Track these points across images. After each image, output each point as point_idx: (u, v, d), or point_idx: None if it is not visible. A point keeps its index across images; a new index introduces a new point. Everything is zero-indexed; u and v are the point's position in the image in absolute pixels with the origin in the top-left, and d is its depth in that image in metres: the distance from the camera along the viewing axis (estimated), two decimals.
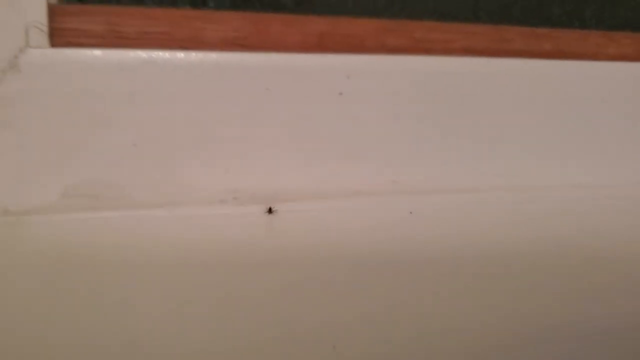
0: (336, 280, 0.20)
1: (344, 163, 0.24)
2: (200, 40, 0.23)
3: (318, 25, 0.25)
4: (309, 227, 0.22)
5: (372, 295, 0.19)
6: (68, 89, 0.21)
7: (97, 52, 0.21)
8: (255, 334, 0.18)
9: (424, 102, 0.25)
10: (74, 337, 0.18)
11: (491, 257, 0.23)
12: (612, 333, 0.25)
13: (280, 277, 0.19)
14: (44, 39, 0.20)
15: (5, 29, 0.20)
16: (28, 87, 0.20)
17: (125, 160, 0.22)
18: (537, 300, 0.24)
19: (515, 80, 0.27)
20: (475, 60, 0.27)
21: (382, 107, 0.24)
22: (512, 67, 0.27)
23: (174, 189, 0.22)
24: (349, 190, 0.23)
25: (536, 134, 0.27)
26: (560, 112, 0.28)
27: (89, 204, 0.21)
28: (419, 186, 0.24)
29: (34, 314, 0.19)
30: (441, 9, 0.28)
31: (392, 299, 0.19)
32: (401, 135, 0.24)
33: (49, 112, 0.21)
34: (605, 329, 0.25)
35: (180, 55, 0.22)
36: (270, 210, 0.23)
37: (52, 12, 0.21)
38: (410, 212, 0.23)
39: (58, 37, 0.21)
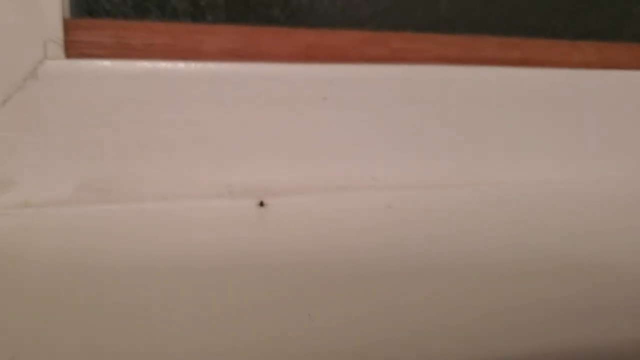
0: (319, 261, 0.22)
1: (328, 161, 0.26)
2: (199, 51, 0.26)
3: (306, 37, 0.28)
4: (296, 218, 0.25)
5: (351, 277, 0.22)
6: (81, 95, 0.23)
7: (107, 63, 0.23)
8: (242, 308, 0.20)
9: (401, 106, 0.28)
10: (87, 316, 0.21)
11: (462, 247, 0.25)
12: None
13: (269, 260, 0.22)
14: (59, 51, 0.23)
15: (26, 43, 0.22)
16: (46, 94, 0.23)
17: (132, 158, 0.24)
18: (509, 292, 0.26)
19: (486, 86, 0.30)
20: (449, 68, 0.29)
21: (362, 110, 0.27)
22: (484, 74, 0.30)
23: (175, 184, 0.25)
24: (332, 185, 0.26)
25: (504, 134, 0.29)
26: (528, 114, 0.30)
27: (99, 197, 0.24)
28: (396, 182, 0.27)
29: (52, 296, 0.21)
30: (418, 20, 0.30)
31: (370, 281, 0.22)
32: (379, 136, 0.27)
33: (64, 115, 0.23)
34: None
35: (181, 65, 0.25)
36: (261, 204, 0.25)
37: (67, 27, 0.24)
38: (389, 206, 0.26)
39: (72, 49, 0.24)
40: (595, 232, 0.26)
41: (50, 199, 0.23)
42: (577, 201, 0.28)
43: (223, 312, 0.19)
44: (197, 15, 0.28)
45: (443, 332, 0.23)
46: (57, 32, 0.23)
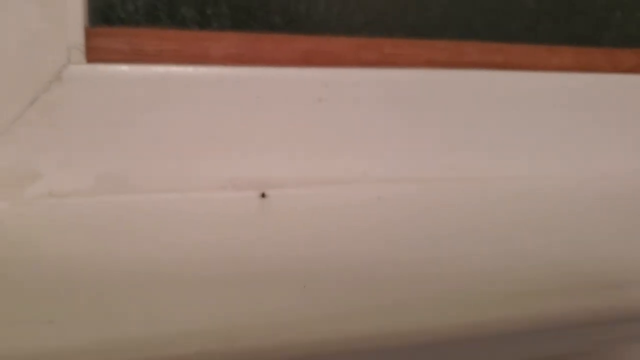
0: (315, 245, 0.24)
1: (323, 156, 0.29)
2: (207, 56, 0.28)
3: (303, 43, 0.30)
4: (294, 208, 0.27)
5: (343, 257, 0.24)
6: (100, 96, 0.26)
7: (124, 67, 0.26)
8: (244, 285, 0.22)
9: (392, 107, 0.30)
10: (105, 288, 0.23)
11: (443, 234, 0.27)
12: None
13: (268, 244, 0.24)
14: (81, 56, 0.26)
15: (52, 49, 0.25)
16: (69, 95, 0.25)
17: (145, 153, 0.27)
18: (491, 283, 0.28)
19: (471, 88, 0.32)
20: (437, 71, 0.31)
21: (355, 110, 0.29)
22: (469, 77, 0.32)
23: (185, 177, 0.27)
24: (327, 179, 0.28)
25: (487, 133, 0.32)
26: (509, 114, 0.32)
27: (116, 188, 0.26)
28: (386, 176, 0.29)
29: (74, 276, 0.23)
30: (408, 27, 0.33)
31: (358, 263, 0.24)
32: (371, 134, 0.29)
33: (85, 114, 0.26)
34: None
35: (190, 69, 0.27)
36: (263, 195, 0.28)
37: (87, 34, 0.26)
38: (378, 197, 0.29)
39: (92, 54, 0.26)
40: (568, 222, 0.29)
41: (72, 190, 0.26)
42: (552, 194, 0.30)
43: (227, 290, 0.21)
44: (203, 22, 0.30)
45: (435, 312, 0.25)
46: (79, 39, 0.25)
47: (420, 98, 0.31)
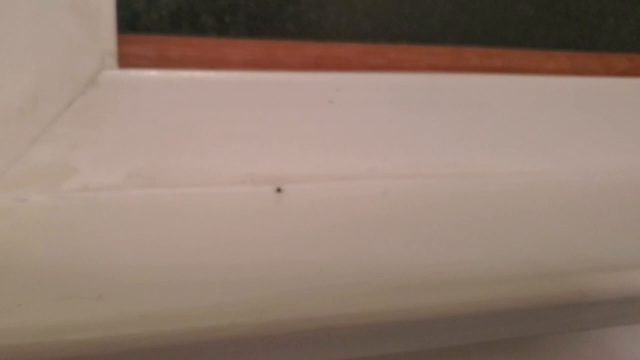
0: (323, 232, 0.27)
1: (334, 154, 0.31)
2: (226, 61, 0.31)
3: (315, 49, 0.33)
4: (307, 201, 0.29)
5: (350, 243, 0.26)
6: (130, 99, 0.28)
7: (152, 72, 0.28)
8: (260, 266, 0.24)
9: (397, 108, 0.32)
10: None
11: (442, 224, 0.30)
12: None
13: (283, 235, 0.27)
14: (114, 62, 0.28)
15: (88, 55, 0.27)
16: (103, 98, 0.28)
17: (171, 151, 0.29)
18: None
19: (472, 91, 0.34)
20: (439, 75, 0.34)
21: (363, 111, 0.31)
22: (469, 80, 0.34)
23: (206, 173, 0.30)
24: (337, 174, 0.31)
25: (486, 132, 0.34)
26: (507, 115, 0.35)
27: (145, 182, 0.29)
28: (391, 172, 0.32)
29: (110, 258, 0.26)
30: (411, 33, 0.35)
31: (369, 251, 0.26)
32: (377, 133, 0.32)
33: (117, 115, 0.28)
34: None
35: (211, 73, 0.29)
36: (278, 189, 0.30)
37: (119, 41, 0.29)
38: (384, 192, 0.31)
39: (123, 60, 0.29)
40: (562, 214, 0.31)
41: (105, 184, 0.28)
42: (545, 189, 0.33)
43: (248, 273, 0.24)
44: (222, 30, 0.32)
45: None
46: (112, 46, 0.28)
47: (423, 100, 0.33)
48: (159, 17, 0.31)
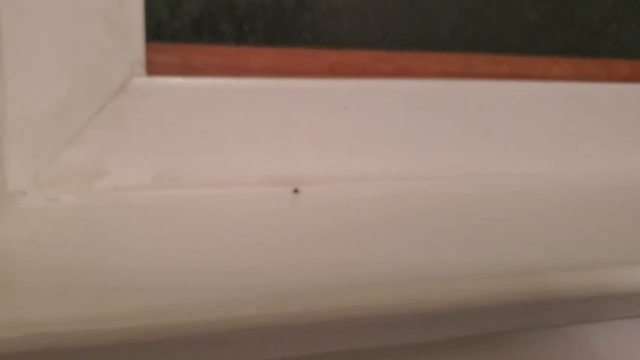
0: (338, 235, 0.28)
1: (348, 156, 0.33)
2: (246, 68, 0.32)
3: (330, 56, 0.34)
4: (323, 202, 0.31)
5: (368, 246, 0.28)
6: (157, 104, 0.30)
7: (177, 79, 0.30)
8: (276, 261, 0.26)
9: (408, 113, 0.34)
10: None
11: (449, 222, 0.31)
12: None
13: (300, 234, 0.28)
14: (142, 70, 0.30)
15: (118, 64, 0.29)
16: (132, 104, 0.29)
17: (195, 153, 0.31)
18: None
19: (480, 97, 0.36)
20: (448, 81, 0.35)
21: (376, 116, 0.33)
22: (477, 86, 0.35)
23: (228, 174, 0.31)
24: (350, 176, 0.32)
25: (494, 136, 0.36)
26: (514, 119, 0.36)
27: (170, 183, 0.30)
28: (401, 173, 0.33)
29: (132, 256, 0.27)
30: (422, 41, 0.37)
31: (383, 246, 0.28)
32: (389, 137, 0.33)
33: (145, 120, 0.30)
34: None
35: (233, 80, 0.31)
36: (295, 190, 0.32)
37: (146, 50, 0.30)
38: (395, 193, 0.33)
39: (150, 68, 0.30)
40: (566, 214, 0.32)
41: (133, 185, 0.30)
42: (550, 190, 0.34)
43: (267, 267, 0.25)
44: (242, 38, 0.34)
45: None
46: (141, 55, 0.29)
47: (433, 105, 0.34)
48: (182, 27, 0.33)
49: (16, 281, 0.22)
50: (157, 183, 0.30)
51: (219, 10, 0.33)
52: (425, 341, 0.26)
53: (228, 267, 0.24)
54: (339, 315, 0.21)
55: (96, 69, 0.29)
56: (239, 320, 0.20)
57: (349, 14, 0.35)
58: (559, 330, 0.30)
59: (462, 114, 0.35)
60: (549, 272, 0.26)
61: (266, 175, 0.32)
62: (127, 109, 0.29)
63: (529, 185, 0.34)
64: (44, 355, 0.20)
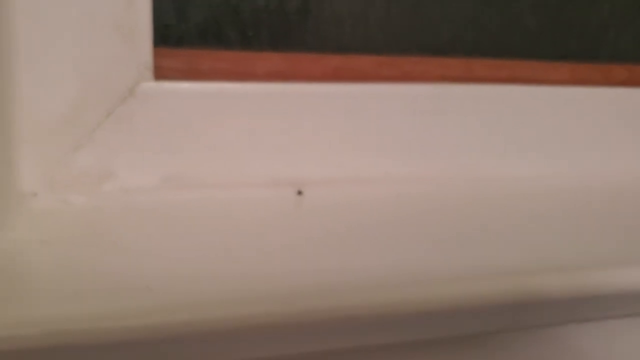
0: (340, 235, 0.29)
1: (351, 159, 0.33)
2: (252, 73, 0.33)
3: (333, 61, 0.35)
4: (326, 203, 0.32)
5: (369, 247, 0.29)
6: (165, 109, 0.31)
7: (185, 84, 0.31)
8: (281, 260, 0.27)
9: (410, 117, 0.35)
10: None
11: (449, 221, 0.32)
12: None
13: (303, 235, 0.29)
14: (150, 74, 0.30)
15: (127, 69, 0.30)
16: (140, 108, 0.30)
17: (202, 156, 0.31)
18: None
19: (480, 101, 0.36)
20: (449, 86, 0.36)
21: (378, 120, 0.34)
22: (477, 90, 0.36)
23: (233, 176, 0.32)
24: (354, 178, 0.33)
25: (493, 139, 0.36)
26: (514, 122, 0.37)
27: (177, 185, 0.31)
28: (405, 176, 0.34)
29: (141, 256, 0.28)
30: (423, 46, 0.37)
31: (385, 248, 0.29)
32: (391, 140, 0.34)
33: (153, 124, 0.30)
34: None
35: (238, 85, 0.32)
36: (299, 192, 0.33)
37: (154, 55, 0.31)
38: (398, 194, 0.33)
39: (158, 72, 0.31)
40: (565, 216, 0.33)
41: (141, 187, 0.31)
42: (548, 192, 0.35)
43: (272, 267, 0.26)
44: (246, 43, 0.35)
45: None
46: (149, 60, 0.30)
47: (434, 109, 0.35)
48: (189, 32, 0.34)
49: (31, 280, 0.23)
50: (164, 185, 0.31)
51: (225, 16, 0.34)
52: (422, 339, 0.27)
53: (234, 267, 0.24)
54: (341, 314, 0.22)
55: (105, 74, 0.29)
56: (244, 318, 0.21)
57: (352, 19, 0.35)
58: (551, 330, 0.30)
59: (463, 118, 0.36)
60: (548, 273, 0.26)
61: (271, 177, 0.33)
62: (135, 112, 0.30)
63: (527, 187, 0.35)
64: (57, 351, 0.20)
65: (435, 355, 0.29)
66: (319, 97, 0.33)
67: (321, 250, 0.27)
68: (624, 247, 0.30)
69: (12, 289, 0.22)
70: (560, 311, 0.28)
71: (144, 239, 0.28)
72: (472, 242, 0.29)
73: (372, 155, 0.34)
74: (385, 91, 0.34)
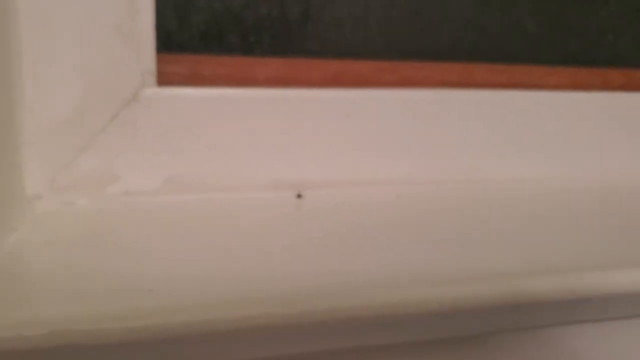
0: (340, 234, 0.29)
1: (351, 162, 0.34)
2: (253, 79, 0.34)
3: (333, 67, 0.35)
4: (325, 206, 0.32)
5: (369, 248, 0.29)
6: (168, 114, 0.31)
7: (187, 90, 0.31)
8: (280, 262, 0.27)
9: (410, 121, 0.35)
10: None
11: (452, 226, 0.32)
12: None
13: (303, 236, 0.29)
14: (153, 80, 0.31)
15: (131, 74, 0.30)
16: (143, 113, 0.31)
17: (203, 159, 0.32)
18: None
19: (479, 105, 0.37)
20: (448, 91, 0.36)
21: (377, 125, 0.34)
22: (476, 95, 0.36)
23: (234, 180, 0.33)
24: (354, 180, 0.34)
25: (492, 143, 0.37)
26: (512, 127, 0.37)
27: (179, 188, 0.32)
28: (403, 178, 0.35)
29: (140, 261, 0.29)
30: (422, 52, 0.38)
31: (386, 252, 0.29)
32: (391, 144, 0.35)
33: (156, 128, 0.31)
34: None
35: (239, 90, 0.32)
36: (299, 195, 0.33)
37: (157, 61, 0.32)
38: (397, 197, 0.34)
39: (161, 78, 0.32)
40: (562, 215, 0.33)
41: (144, 189, 0.31)
42: (546, 194, 0.35)
43: (272, 269, 0.26)
44: (247, 49, 0.35)
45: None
46: (152, 65, 0.31)
47: (433, 113, 0.36)
48: (191, 38, 0.35)
49: (34, 281, 0.23)
50: (166, 188, 0.31)
51: (227, 22, 0.34)
52: (421, 340, 0.28)
53: (234, 268, 0.25)
54: (341, 315, 0.22)
55: (109, 79, 0.30)
56: (244, 319, 0.21)
57: (351, 25, 0.36)
58: (549, 331, 0.31)
59: (463, 122, 0.36)
60: (547, 274, 0.27)
61: (271, 180, 0.33)
62: (138, 117, 0.31)
63: (526, 190, 0.36)
64: (60, 352, 0.21)
65: (435, 356, 0.30)
66: (319, 102, 0.33)
67: (321, 251, 0.28)
68: (621, 248, 0.30)
69: (16, 289, 0.23)
70: (558, 312, 0.28)
71: (146, 241, 0.28)
72: (471, 244, 0.29)
73: (371, 159, 0.34)
74: (384, 96, 0.35)
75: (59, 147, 0.30)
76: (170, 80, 0.32)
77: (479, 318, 0.27)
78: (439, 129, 0.36)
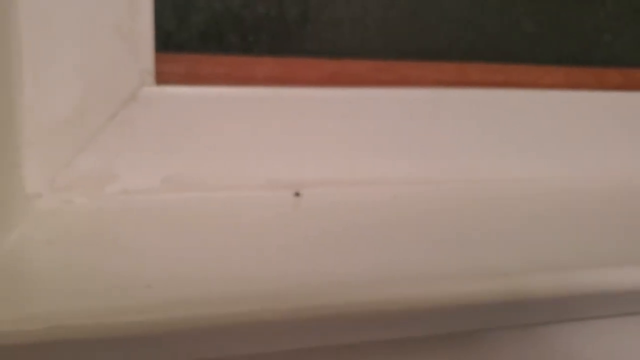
0: (337, 233, 0.30)
1: (348, 162, 0.34)
2: (250, 78, 0.34)
3: (330, 66, 0.36)
4: (322, 205, 0.32)
5: (365, 247, 0.29)
6: (167, 113, 0.31)
7: (185, 89, 0.32)
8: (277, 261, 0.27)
9: (406, 120, 0.35)
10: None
11: (449, 226, 0.33)
12: None
13: (301, 235, 0.30)
14: (151, 79, 0.31)
15: (129, 74, 0.30)
16: (142, 112, 0.31)
17: (202, 158, 0.32)
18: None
19: (476, 105, 0.37)
20: (444, 90, 0.37)
21: (374, 124, 0.34)
22: (473, 95, 0.37)
23: (232, 178, 0.33)
24: (351, 180, 0.34)
25: (487, 142, 0.37)
26: (507, 126, 0.38)
27: (178, 187, 0.32)
28: (400, 178, 0.35)
29: (139, 260, 0.29)
30: (419, 51, 0.38)
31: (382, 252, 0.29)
32: (388, 144, 0.35)
33: (154, 127, 0.31)
34: None
35: (237, 89, 0.33)
36: (296, 194, 0.33)
37: (155, 60, 0.32)
38: (394, 196, 0.34)
39: (159, 77, 0.32)
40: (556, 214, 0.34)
41: (142, 188, 0.31)
42: (542, 193, 0.36)
43: (271, 266, 0.27)
44: (245, 48, 0.36)
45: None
46: (150, 65, 0.31)
47: (430, 113, 0.36)
48: (190, 38, 0.35)
49: (35, 278, 0.24)
50: (165, 187, 0.32)
51: (225, 22, 0.35)
52: (418, 337, 0.28)
53: (232, 266, 0.25)
54: (337, 312, 0.23)
55: (108, 79, 0.30)
56: (241, 315, 0.21)
57: (349, 25, 0.36)
58: (548, 329, 0.31)
59: (459, 122, 0.37)
60: (545, 273, 0.27)
61: (269, 179, 0.33)
62: (137, 116, 0.31)
63: (523, 189, 0.36)
64: (60, 346, 0.21)
65: (432, 352, 0.30)
66: (317, 101, 0.34)
67: (318, 250, 0.28)
68: (620, 247, 0.31)
69: (17, 286, 0.23)
70: (556, 310, 0.28)
71: (144, 239, 0.28)
72: (468, 243, 0.29)
73: (369, 158, 0.35)
74: (381, 95, 0.35)
75: (59, 147, 0.30)
76: (168, 80, 0.32)
77: (478, 316, 0.27)
78: (436, 128, 0.36)
